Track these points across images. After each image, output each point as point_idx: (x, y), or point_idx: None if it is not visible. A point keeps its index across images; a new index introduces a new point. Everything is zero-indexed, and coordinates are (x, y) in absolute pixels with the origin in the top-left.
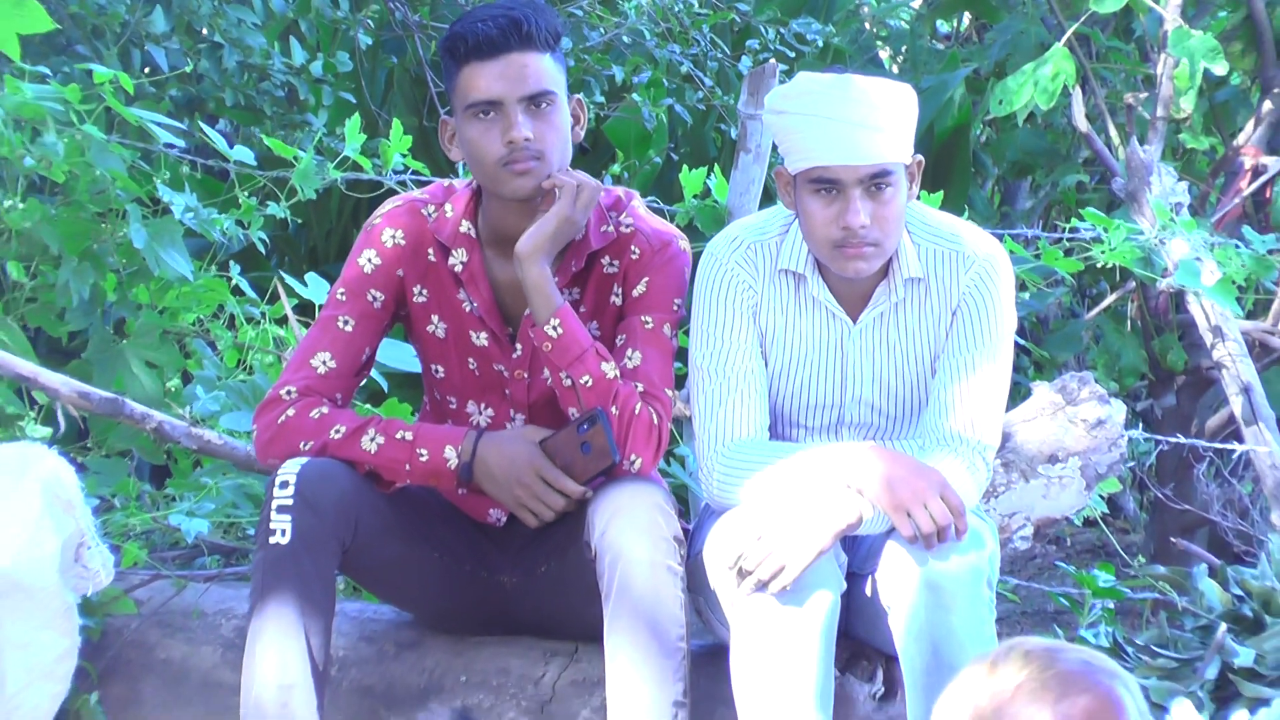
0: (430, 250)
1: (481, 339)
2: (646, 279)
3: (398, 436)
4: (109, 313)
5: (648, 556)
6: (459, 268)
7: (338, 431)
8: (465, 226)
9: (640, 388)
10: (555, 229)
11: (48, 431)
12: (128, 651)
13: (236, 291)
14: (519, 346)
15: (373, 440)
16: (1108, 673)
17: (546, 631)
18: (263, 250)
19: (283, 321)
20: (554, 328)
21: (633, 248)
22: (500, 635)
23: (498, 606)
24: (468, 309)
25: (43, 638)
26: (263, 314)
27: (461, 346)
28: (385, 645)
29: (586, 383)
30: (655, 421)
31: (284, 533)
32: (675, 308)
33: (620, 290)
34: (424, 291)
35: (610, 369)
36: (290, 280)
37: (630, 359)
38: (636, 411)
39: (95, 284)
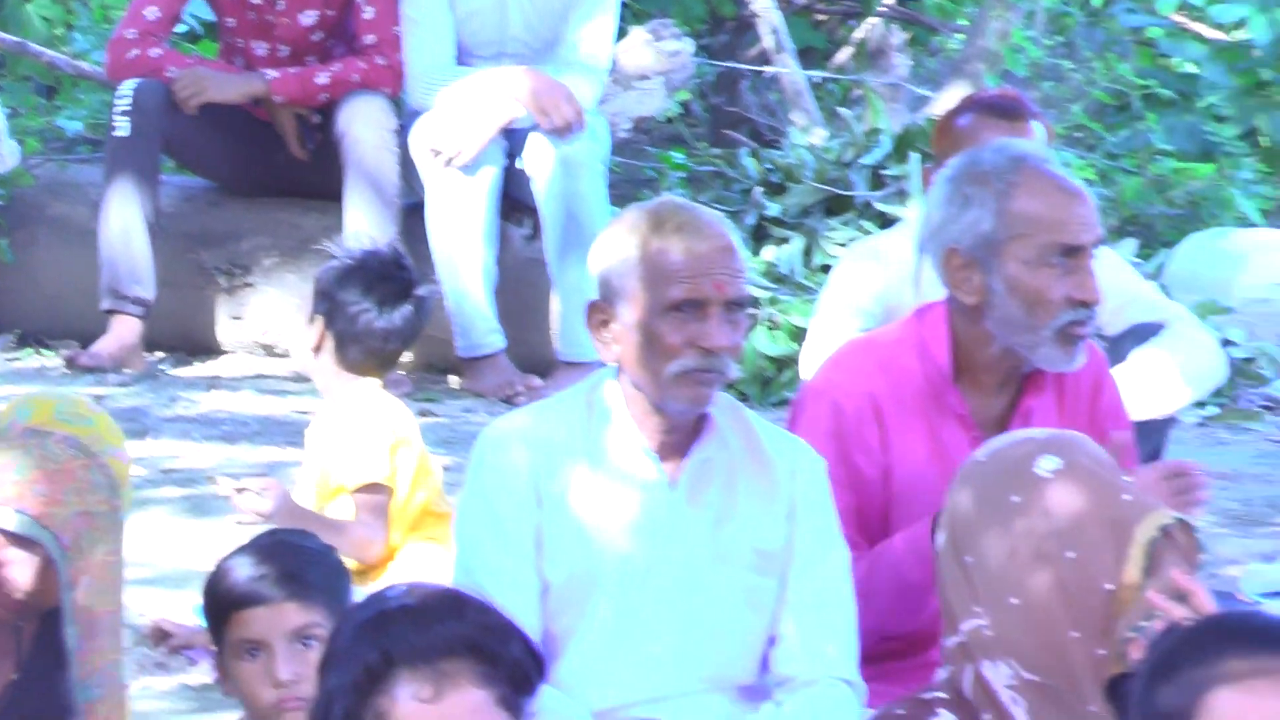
0: None
1: None
2: None
3: None
4: None
5: (373, 139)
6: None
7: (172, 72)
8: None
9: (371, 38)
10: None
11: None
12: (29, 211)
13: None
14: (282, 1)
15: None
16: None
17: (309, 194)
18: None
19: None
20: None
21: None
22: (277, 197)
23: (275, 176)
24: None
25: None
26: None
27: (243, 3)
28: (199, 204)
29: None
30: (385, 62)
31: (124, 128)
32: None
33: None
34: None
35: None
36: None
37: (366, 12)
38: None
39: None
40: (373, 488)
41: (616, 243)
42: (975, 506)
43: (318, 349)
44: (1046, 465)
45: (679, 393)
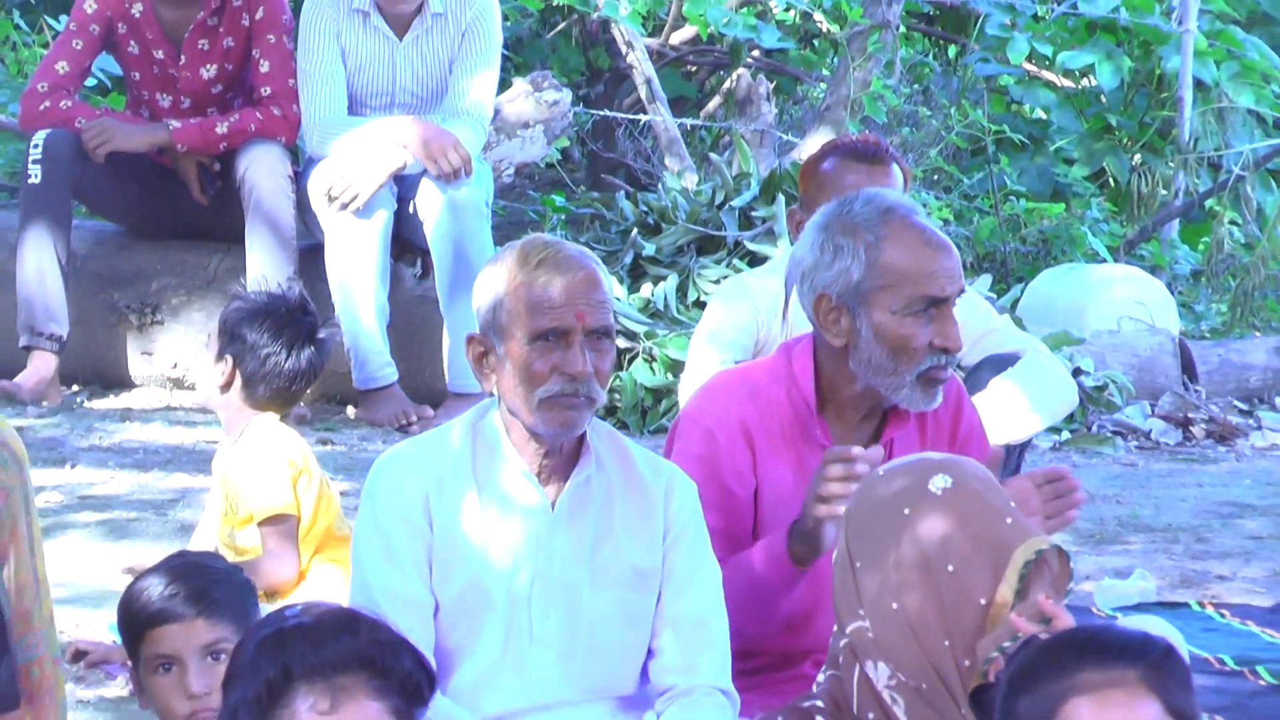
0: (127, 1)
1: (160, 54)
2: (263, 6)
3: None
4: None
5: (271, 185)
6: (137, 14)
7: (81, 122)
8: None
9: (268, 90)
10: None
11: None
12: None
13: (17, 28)
14: (184, 57)
15: None
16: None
17: (213, 237)
18: (34, 3)
19: (46, 46)
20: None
21: None
22: (183, 240)
23: (181, 220)
24: (149, 36)
25: None
26: (33, 41)
27: (148, 59)
28: (109, 246)
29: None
30: (280, 112)
31: (36, 176)
32: (285, 20)
33: (248, 16)
34: (124, 26)
35: (221, 126)
36: (50, 20)
37: (263, 66)
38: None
39: None
40: (278, 518)
41: (490, 280)
42: (870, 517)
43: (226, 387)
44: (938, 483)
45: (548, 417)
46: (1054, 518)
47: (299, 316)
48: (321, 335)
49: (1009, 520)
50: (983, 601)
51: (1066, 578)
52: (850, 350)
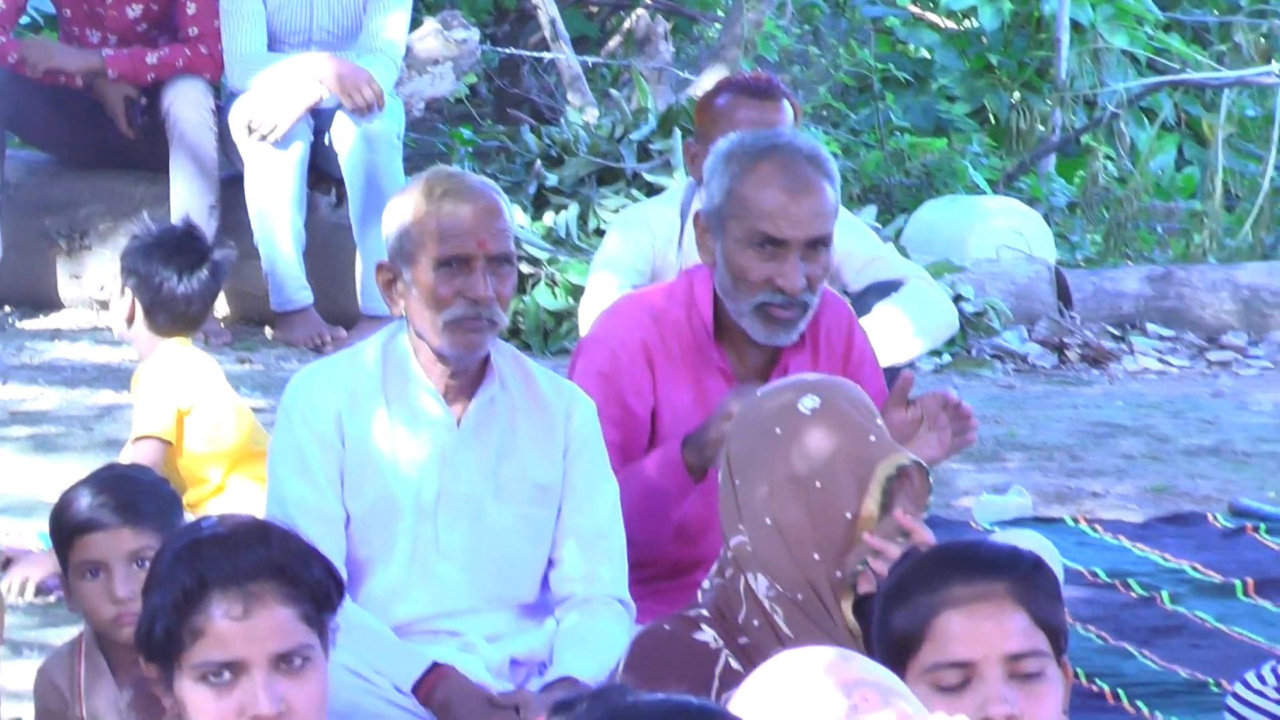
0: None
1: None
2: None
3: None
4: None
5: (195, 118)
6: None
7: (13, 58)
8: None
9: (195, 30)
10: None
11: None
12: None
13: None
14: None
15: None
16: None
17: (139, 167)
18: None
19: None
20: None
21: None
22: (111, 169)
23: (109, 151)
24: None
25: None
26: None
27: None
28: (42, 176)
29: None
30: (206, 51)
31: None
32: None
33: None
34: None
35: (151, 58)
36: None
37: (190, 8)
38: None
39: None
40: (148, 440)
41: (398, 210)
42: (749, 435)
43: (130, 319)
44: (807, 404)
45: (452, 339)
46: (958, 437)
47: (186, 244)
48: (215, 258)
49: (872, 438)
50: (849, 515)
51: (926, 492)
52: (716, 270)
